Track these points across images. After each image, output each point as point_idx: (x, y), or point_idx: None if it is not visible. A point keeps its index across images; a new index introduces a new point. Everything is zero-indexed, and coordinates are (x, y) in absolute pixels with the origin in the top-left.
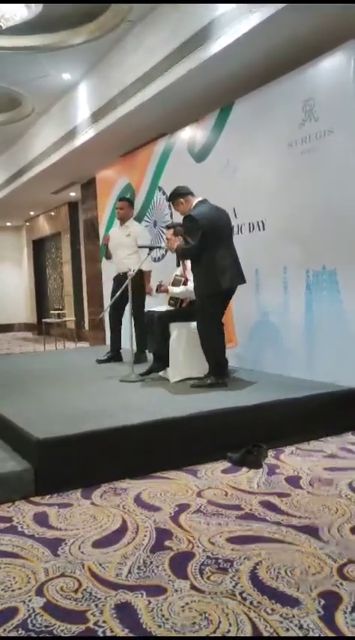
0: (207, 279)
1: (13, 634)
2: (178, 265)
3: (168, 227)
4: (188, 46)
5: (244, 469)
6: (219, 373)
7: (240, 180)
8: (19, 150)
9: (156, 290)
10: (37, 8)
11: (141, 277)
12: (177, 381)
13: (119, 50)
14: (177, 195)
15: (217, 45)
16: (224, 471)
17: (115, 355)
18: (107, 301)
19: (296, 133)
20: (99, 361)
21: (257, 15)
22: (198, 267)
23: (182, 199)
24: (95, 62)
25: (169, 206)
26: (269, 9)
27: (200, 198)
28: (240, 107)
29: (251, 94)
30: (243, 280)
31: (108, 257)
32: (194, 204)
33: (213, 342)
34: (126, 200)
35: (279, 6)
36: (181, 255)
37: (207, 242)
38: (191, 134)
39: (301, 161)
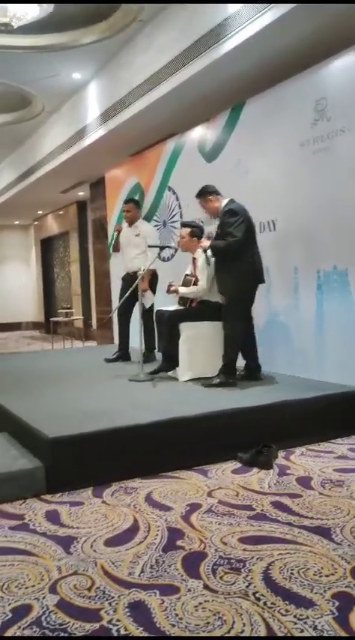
0: (244, 276)
1: (28, 631)
2: (209, 264)
3: (183, 225)
4: (199, 46)
5: (255, 469)
6: (228, 373)
7: (251, 180)
8: (29, 149)
9: (167, 291)
10: (48, 8)
11: (150, 277)
12: (187, 380)
13: (129, 50)
14: (208, 193)
15: (228, 44)
16: (234, 471)
17: (124, 354)
18: (115, 300)
19: (308, 133)
20: (108, 360)
21: (268, 14)
22: (236, 262)
23: (212, 197)
24: (105, 62)
25: (179, 205)
26: (281, 8)
27: (229, 198)
28: (251, 107)
29: (262, 94)
30: (264, 279)
31: (116, 249)
32: (226, 201)
33: (234, 342)
34: (132, 202)
35: (291, 5)
36: (225, 252)
37: (248, 236)
38: (201, 134)
39: (313, 161)
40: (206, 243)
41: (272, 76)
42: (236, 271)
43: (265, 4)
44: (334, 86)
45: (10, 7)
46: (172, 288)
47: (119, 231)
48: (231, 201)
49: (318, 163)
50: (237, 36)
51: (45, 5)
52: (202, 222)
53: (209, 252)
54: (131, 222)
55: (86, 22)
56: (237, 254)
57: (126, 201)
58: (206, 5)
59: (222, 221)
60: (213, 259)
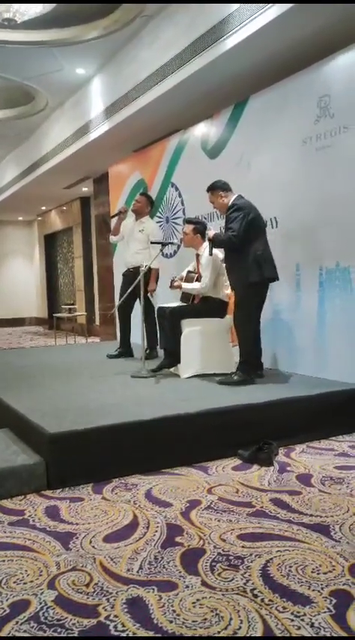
0: (250, 269)
1: (26, 626)
2: (211, 254)
3: (187, 221)
4: (203, 42)
5: (255, 466)
6: (245, 370)
7: (253, 177)
8: (32, 144)
9: (170, 286)
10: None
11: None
12: (188, 377)
13: (133, 45)
14: (219, 188)
15: (232, 40)
16: (235, 468)
17: (126, 351)
18: (118, 297)
19: (311, 130)
20: (110, 356)
21: (272, 11)
22: (241, 256)
23: (222, 192)
24: (109, 57)
25: (182, 201)
26: (284, 5)
27: (237, 194)
28: (254, 103)
29: (265, 90)
30: (275, 275)
31: (115, 233)
32: (233, 198)
33: (248, 338)
34: (144, 195)
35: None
36: (225, 245)
37: (251, 232)
38: (205, 130)
39: (315, 158)
40: (211, 233)
41: (275, 73)
42: (241, 266)
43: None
44: (337, 83)
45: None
46: (175, 284)
47: (121, 212)
48: (239, 197)
49: (321, 160)
50: (241, 32)
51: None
52: (205, 218)
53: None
54: (137, 215)
55: (90, 18)
56: (238, 248)
57: (140, 194)
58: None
59: (227, 216)
60: (215, 251)
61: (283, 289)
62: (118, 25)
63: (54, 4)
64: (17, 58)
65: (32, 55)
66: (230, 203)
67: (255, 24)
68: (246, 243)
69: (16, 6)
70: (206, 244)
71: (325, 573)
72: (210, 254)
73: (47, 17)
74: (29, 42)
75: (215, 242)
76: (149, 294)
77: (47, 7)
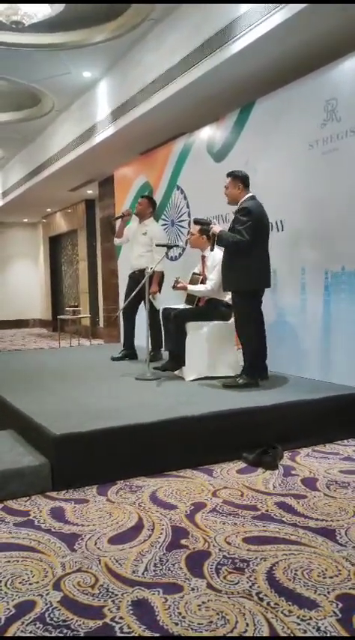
0: (253, 274)
1: (31, 627)
2: (212, 249)
3: (195, 222)
4: (209, 45)
5: (260, 470)
6: (250, 373)
7: (259, 180)
8: (38, 147)
9: (173, 287)
10: (59, 6)
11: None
12: (193, 379)
13: (140, 48)
14: (240, 179)
15: (238, 44)
16: (239, 471)
17: (130, 353)
18: (123, 299)
19: (318, 134)
20: (114, 359)
21: (278, 15)
22: (245, 260)
23: (241, 184)
24: (116, 60)
25: (187, 204)
26: (291, 9)
27: (252, 193)
28: (260, 107)
29: (272, 94)
30: (270, 283)
31: (119, 235)
32: (247, 196)
33: (251, 341)
34: (146, 197)
35: (301, 6)
36: (231, 248)
37: (257, 237)
38: (210, 133)
39: (322, 162)
40: (216, 228)
41: (281, 77)
42: (245, 269)
43: (275, 5)
44: (344, 87)
45: (22, 5)
46: (179, 285)
47: (124, 215)
48: (252, 197)
49: (327, 164)
50: (247, 36)
51: (55, 4)
52: (212, 220)
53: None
54: (140, 217)
55: (97, 21)
56: (242, 253)
57: (142, 196)
58: (216, 5)
59: (236, 217)
60: (216, 251)
61: (289, 293)
62: (124, 29)
63: (61, 7)
64: (24, 61)
65: (39, 58)
66: (243, 200)
67: (261, 28)
68: (254, 248)
69: (23, 9)
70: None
71: (331, 577)
72: (212, 249)
73: (54, 20)
74: (36, 45)
75: (221, 241)
76: (151, 297)
77: (54, 10)
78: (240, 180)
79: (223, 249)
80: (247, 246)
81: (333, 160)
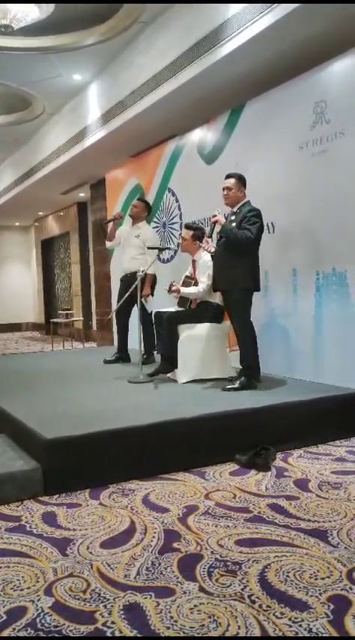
0: (251, 275)
1: (22, 633)
2: (210, 236)
3: (187, 227)
4: (199, 48)
5: (252, 471)
6: (248, 375)
7: (249, 182)
8: (30, 150)
9: (168, 290)
10: (48, 9)
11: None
12: (186, 382)
13: (130, 51)
14: (243, 183)
15: (228, 46)
16: (232, 473)
17: (123, 356)
18: (115, 302)
19: (307, 135)
20: (107, 362)
21: (267, 17)
22: (246, 259)
23: (243, 188)
24: (106, 63)
25: (179, 207)
26: (280, 11)
27: (248, 199)
28: (250, 109)
29: (262, 96)
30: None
31: (110, 239)
32: (245, 201)
33: (250, 343)
34: (141, 201)
35: (291, 7)
36: (237, 242)
37: (258, 241)
38: (201, 136)
39: (312, 163)
40: (220, 218)
41: (271, 79)
42: (246, 268)
43: (266, 6)
44: (333, 89)
45: (11, 8)
46: (174, 288)
47: (116, 218)
48: (248, 203)
49: (317, 166)
50: (237, 38)
51: (45, 6)
52: (202, 223)
53: (217, 228)
54: (134, 220)
55: (87, 24)
56: (243, 251)
57: (139, 199)
58: (206, 7)
59: (245, 215)
60: (206, 255)
61: (280, 294)
62: (115, 32)
63: (50, 10)
64: (14, 64)
65: (29, 61)
66: (243, 203)
67: (251, 30)
68: (254, 250)
69: (12, 12)
70: (202, 252)
71: (323, 579)
72: (210, 236)
73: (44, 23)
74: (26, 48)
75: (228, 235)
76: (143, 299)
77: (44, 13)
78: (243, 184)
79: (221, 249)
80: (251, 244)
81: (323, 162)
